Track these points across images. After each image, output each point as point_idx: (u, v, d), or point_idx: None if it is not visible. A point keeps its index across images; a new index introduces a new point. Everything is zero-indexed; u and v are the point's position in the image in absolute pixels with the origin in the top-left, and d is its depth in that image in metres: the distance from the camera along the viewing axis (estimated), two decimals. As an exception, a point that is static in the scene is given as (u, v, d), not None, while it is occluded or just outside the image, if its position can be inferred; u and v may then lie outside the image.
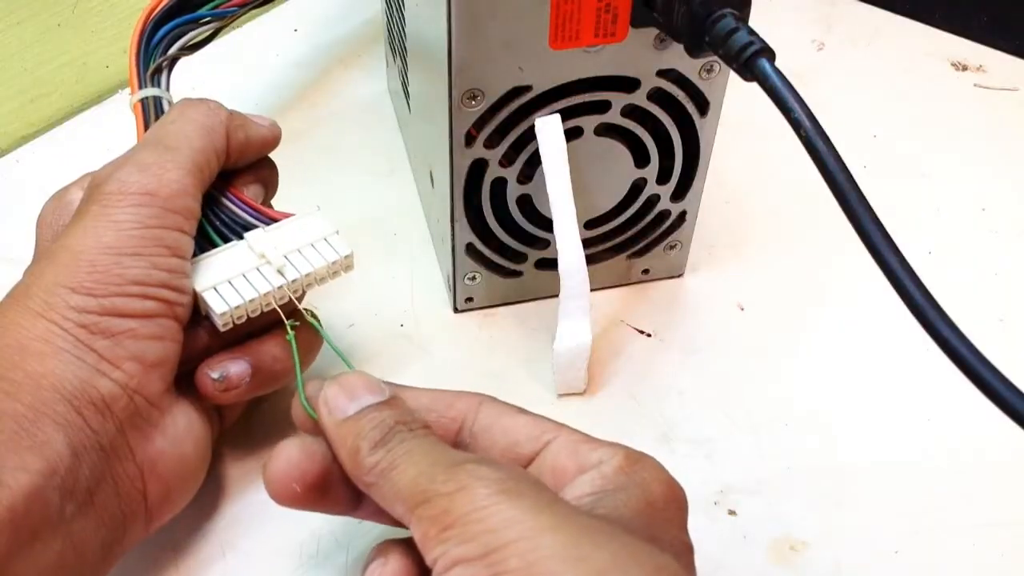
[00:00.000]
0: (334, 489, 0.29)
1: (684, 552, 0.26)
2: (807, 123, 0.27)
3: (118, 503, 0.29)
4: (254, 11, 0.42)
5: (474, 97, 0.35)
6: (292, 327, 0.33)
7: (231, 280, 0.33)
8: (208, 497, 0.36)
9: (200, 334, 0.34)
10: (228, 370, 0.33)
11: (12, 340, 0.29)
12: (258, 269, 0.33)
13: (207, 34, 0.40)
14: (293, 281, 0.34)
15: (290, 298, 0.34)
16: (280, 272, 0.33)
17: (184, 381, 0.33)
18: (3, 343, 0.29)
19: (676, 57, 0.36)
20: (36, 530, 0.26)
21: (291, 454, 0.28)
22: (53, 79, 0.53)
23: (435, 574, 0.24)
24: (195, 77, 0.42)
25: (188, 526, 0.35)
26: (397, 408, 0.29)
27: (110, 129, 0.53)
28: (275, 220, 0.35)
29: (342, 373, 0.30)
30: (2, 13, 0.50)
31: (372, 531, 0.34)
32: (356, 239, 0.36)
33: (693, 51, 0.32)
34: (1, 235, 0.46)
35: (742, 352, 0.42)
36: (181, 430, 0.32)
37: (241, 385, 0.33)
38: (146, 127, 0.36)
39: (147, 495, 0.31)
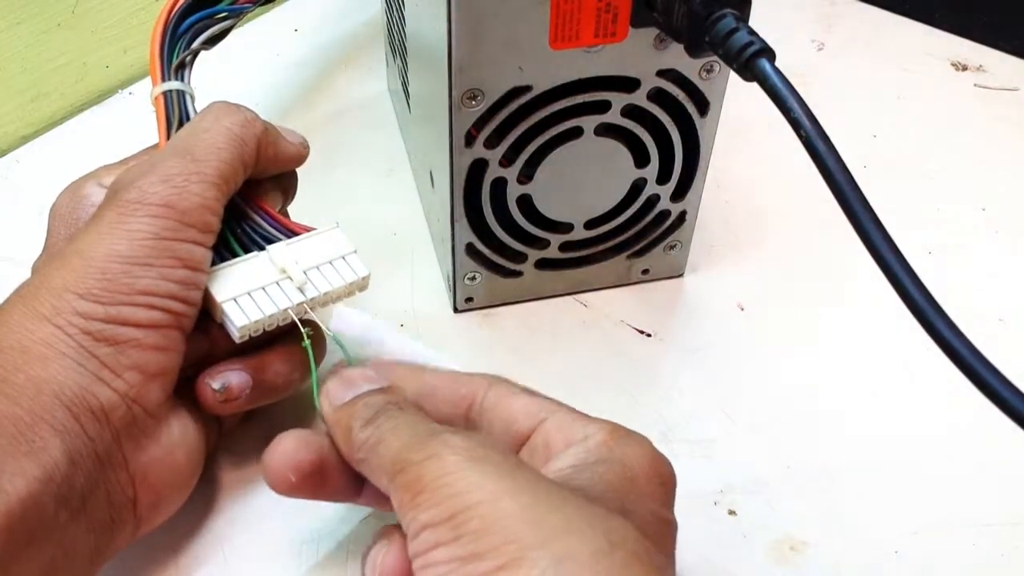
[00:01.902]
0: (333, 477, 0.30)
1: (660, 526, 0.26)
2: (807, 123, 0.27)
3: (108, 510, 0.29)
4: (254, 11, 0.43)
5: (474, 97, 0.35)
6: (308, 336, 0.33)
7: (251, 293, 0.33)
8: (208, 498, 0.36)
9: (201, 341, 0.33)
10: (229, 380, 0.33)
11: (16, 342, 0.29)
12: (278, 284, 0.34)
13: (222, 30, 0.40)
14: (311, 299, 0.34)
15: (307, 311, 0.34)
16: (300, 289, 0.34)
17: (181, 387, 0.32)
18: (7, 344, 0.29)
19: (676, 57, 0.36)
20: (31, 536, 0.26)
21: (286, 445, 0.29)
22: (53, 79, 0.53)
23: (408, 539, 0.25)
24: (194, 76, 0.42)
25: (187, 527, 0.35)
26: (391, 393, 0.30)
27: (110, 129, 0.53)
28: (296, 233, 0.35)
29: (346, 368, 0.31)
30: (2, 13, 0.50)
31: (373, 532, 0.34)
32: (355, 239, 0.36)
33: (693, 51, 0.32)
34: (1, 235, 0.46)
35: (742, 352, 0.42)
36: (175, 439, 0.32)
37: (241, 397, 0.33)
38: (167, 121, 0.36)
39: (137, 503, 0.31)
